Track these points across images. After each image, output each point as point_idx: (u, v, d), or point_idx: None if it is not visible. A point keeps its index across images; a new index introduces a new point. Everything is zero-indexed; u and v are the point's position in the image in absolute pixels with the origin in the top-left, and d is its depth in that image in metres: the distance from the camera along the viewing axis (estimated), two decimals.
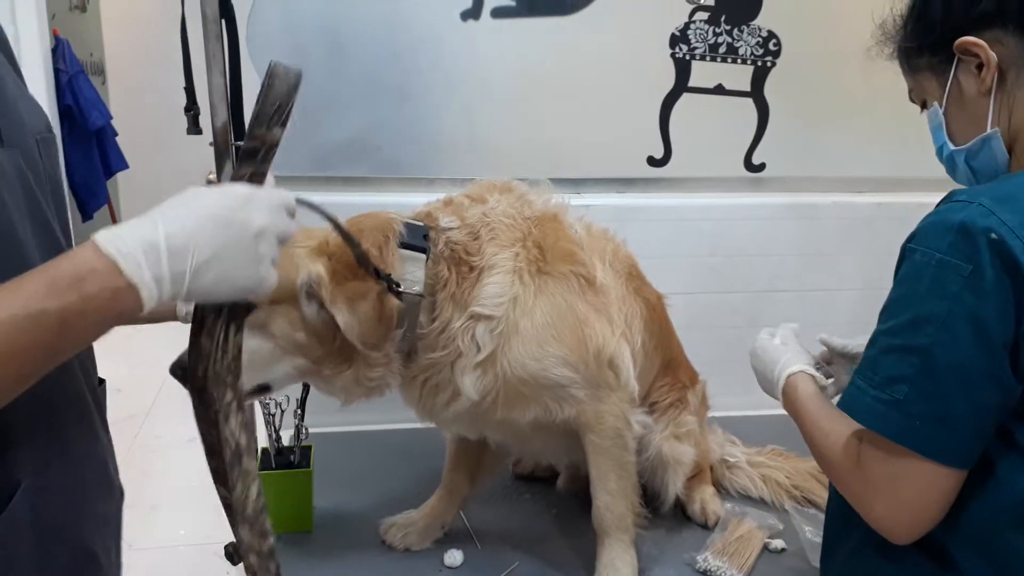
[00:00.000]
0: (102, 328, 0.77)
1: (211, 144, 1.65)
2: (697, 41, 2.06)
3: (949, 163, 1.08)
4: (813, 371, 1.24)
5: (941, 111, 1.06)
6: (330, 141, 2.01)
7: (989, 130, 1.00)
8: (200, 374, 0.89)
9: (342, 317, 1.23)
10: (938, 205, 0.98)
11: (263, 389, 1.30)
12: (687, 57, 2.07)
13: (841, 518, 1.13)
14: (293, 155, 1.96)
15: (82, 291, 0.73)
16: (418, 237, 1.34)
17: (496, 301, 1.33)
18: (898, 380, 0.93)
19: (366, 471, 1.87)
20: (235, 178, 0.88)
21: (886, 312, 0.97)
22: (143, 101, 5.78)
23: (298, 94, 0.88)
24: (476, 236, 1.36)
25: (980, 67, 0.99)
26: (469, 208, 1.40)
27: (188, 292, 0.79)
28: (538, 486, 1.84)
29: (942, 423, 0.91)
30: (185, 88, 1.67)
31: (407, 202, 1.53)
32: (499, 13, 1.98)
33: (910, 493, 0.94)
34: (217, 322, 0.89)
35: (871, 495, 0.97)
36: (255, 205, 0.84)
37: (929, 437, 0.91)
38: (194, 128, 1.68)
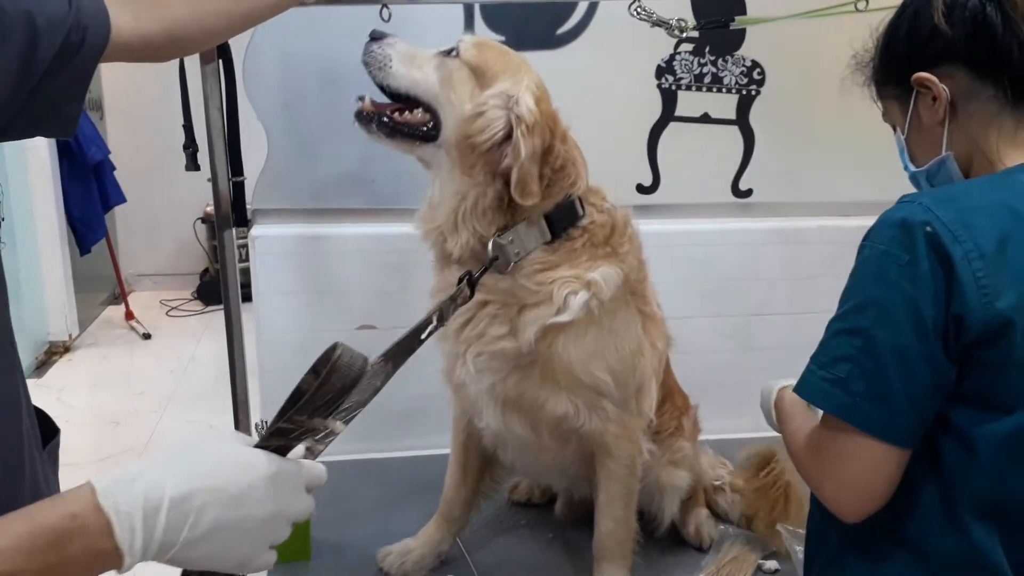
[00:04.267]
0: None
1: (209, 180, 1.69)
2: (682, 72, 2.11)
3: (913, 181, 1.17)
4: None
5: (903, 136, 1.14)
6: (326, 174, 2.05)
7: (943, 153, 1.08)
8: None
9: (526, 146, 1.30)
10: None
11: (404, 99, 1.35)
12: (673, 87, 2.12)
13: (817, 531, 1.17)
14: (291, 189, 2.00)
15: (64, 552, 0.67)
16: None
17: (611, 283, 1.39)
18: (841, 359, 1.00)
19: (364, 500, 1.88)
20: (261, 445, 0.79)
21: (839, 302, 1.05)
22: (140, 136, 5.83)
23: (357, 389, 0.77)
24: (617, 227, 1.44)
25: (934, 99, 1.07)
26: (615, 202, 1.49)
27: (170, 559, 0.72)
28: (535, 512, 1.85)
29: (881, 401, 0.97)
30: (184, 125, 1.71)
31: (401, 232, 1.57)
32: None
33: (855, 470, 1.00)
34: None
35: (821, 473, 1.04)
36: (275, 486, 0.76)
37: (869, 414, 0.98)
38: (192, 165, 1.71)
